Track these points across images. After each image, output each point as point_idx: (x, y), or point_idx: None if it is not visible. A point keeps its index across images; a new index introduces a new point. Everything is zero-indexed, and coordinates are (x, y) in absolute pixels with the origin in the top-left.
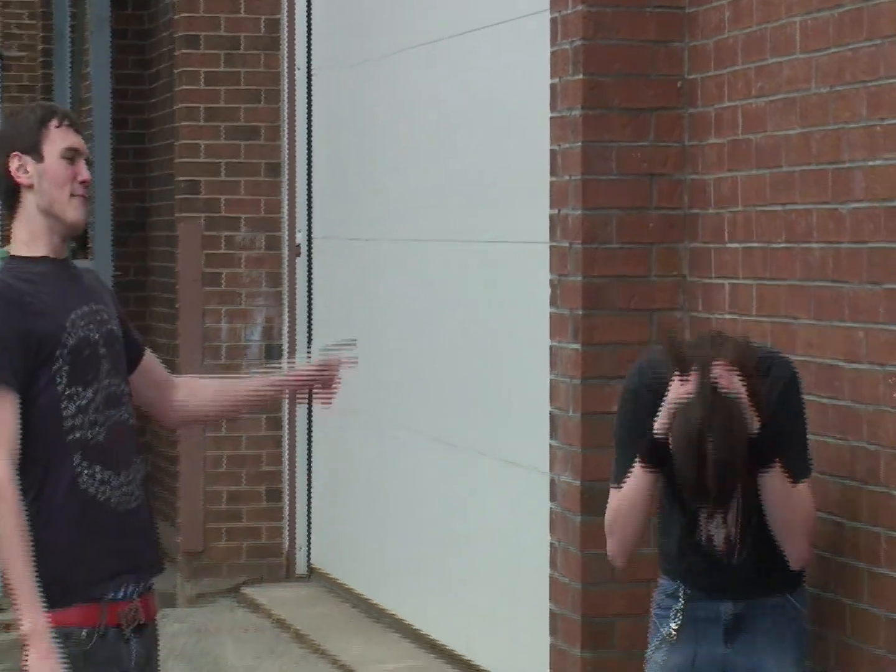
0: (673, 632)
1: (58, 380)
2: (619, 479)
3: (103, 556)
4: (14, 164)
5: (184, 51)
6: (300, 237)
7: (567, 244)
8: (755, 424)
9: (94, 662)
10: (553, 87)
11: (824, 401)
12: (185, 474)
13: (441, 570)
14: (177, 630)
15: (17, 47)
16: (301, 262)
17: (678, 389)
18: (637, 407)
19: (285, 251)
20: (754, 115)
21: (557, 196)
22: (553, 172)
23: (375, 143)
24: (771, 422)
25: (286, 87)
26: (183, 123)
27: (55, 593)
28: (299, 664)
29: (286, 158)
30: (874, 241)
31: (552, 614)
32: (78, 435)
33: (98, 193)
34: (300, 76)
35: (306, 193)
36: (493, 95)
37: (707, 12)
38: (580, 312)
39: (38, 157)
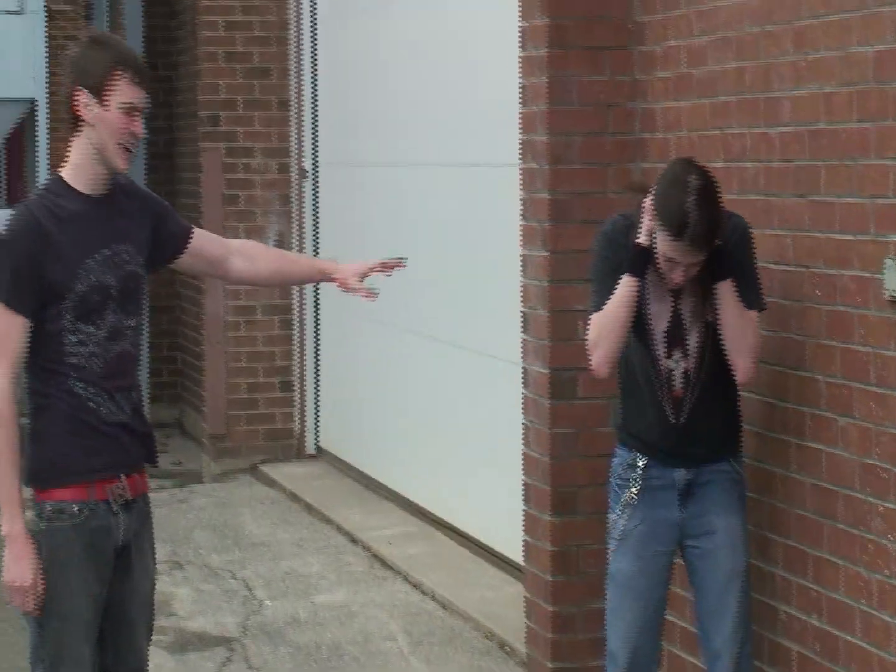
0: (634, 495)
1: (64, 315)
2: (599, 305)
3: (92, 449)
4: (80, 98)
5: (205, 2)
6: (307, 163)
7: (536, 165)
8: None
9: (85, 532)
10: (522, 30)
11: None
12: (210, 369)
13: (430, 448)
14: (203, 503)
15: (62, 2)
16: (308, 185)
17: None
18: (611, 247)
19: (294, 175)
20: (696, 52)
21: (527, 124)
22: (523, 103)
23: (372, 81)
24: (730, 252)
25: (294, 33)
26: (205, 66)
27: (50, 474)
28: (309, 531)
29: (294, 95)
30: (800, 159)
31: (525, 485)
32: (75, 361)
33: None
34: (306, 23)
35: (312, 125)
36: (472, 37)
37: None
38: (547, 224)
39: (101, 101)
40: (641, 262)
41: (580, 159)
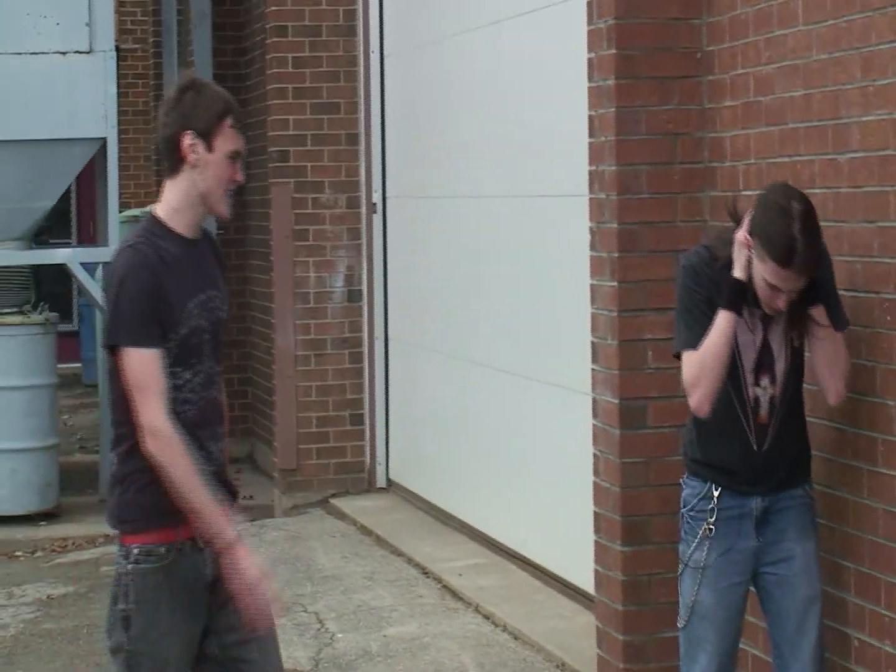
0: (711, 527)
1: (165, 359)
2: (693, 342)
3: None
4: (186, 141)
5: (274, 39)
6: (376, 197)
7: (604, 195)
8: None
9: (172, 572)
10: (590, 61)
11: None
12: (280, 403)
13: (500, 479)
14: (275, 537)
15: (131, 41)
16: (377, 218)
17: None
18: (697, 279)
19: (363, 209)
20: (764, 80)
21: (595, 154)
22: (591, 134)
23: (440, 114)
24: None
25: (362, 67)
26: (274, 101)
27: (139, 518)
28: (380, 563)
29: (363, 129)
30: (868, 185)
31: (596, 515)
32: (170, 407)
33: None
34: (374, 58)
35: (381, 159)
36: (539, 70)
37: None
38: (616, 254)
39: (209, 146)
40: (740, 297)
41: (648, 189)
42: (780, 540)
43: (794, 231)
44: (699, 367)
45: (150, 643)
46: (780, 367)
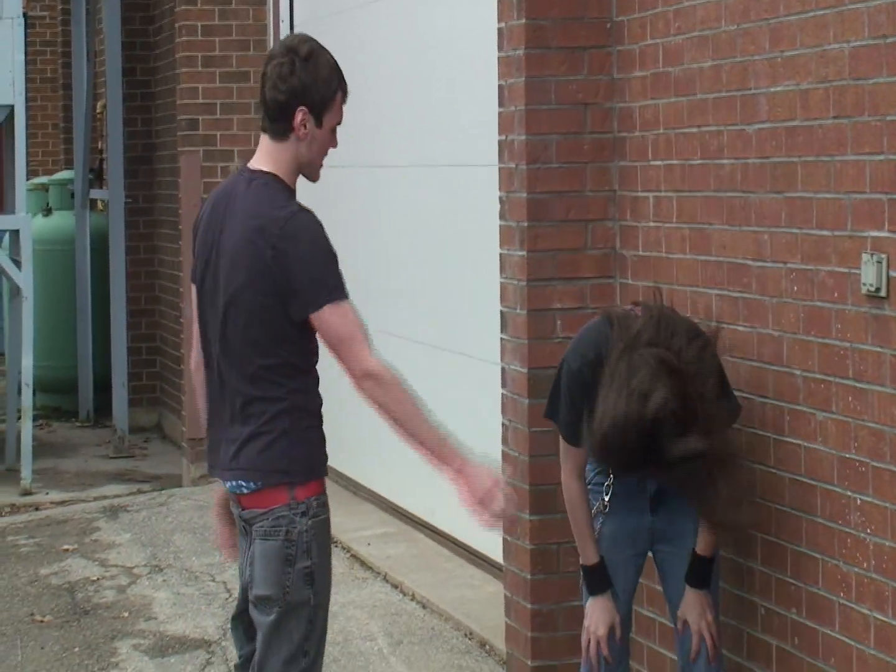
0: (606, 503)
1: None
2: (572, 436)
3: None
4: (299, 117)
5: (183, 7)
6: None
7: (513, 165)
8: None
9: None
10: (500, 31)
11: (735, 295)
12: (188, 372)
13: (409, 448)
14: (183, 506)
15: (39, 8)
16: None
17: None
18: (578, 388)
19: None
20: (673, 51)
21: (505, 124)
22: (501, 104)
23: (350, 83)
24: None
25: (272, 37)
26: (183, 70)
27: (311, 469)
28: None
29: None
30: (776, 156)
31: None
32: (315, 360)
33: (111, 132)
34: (284, 27)
35: None
36: (451, 39)
37: None
38: (525, 224)
39: (319, 122)
40: (597, 579)
41: (558, 159)
42: (675, 517)
43: (625, 433)
44: (569, 510)
45: (327, 593)
46: None
